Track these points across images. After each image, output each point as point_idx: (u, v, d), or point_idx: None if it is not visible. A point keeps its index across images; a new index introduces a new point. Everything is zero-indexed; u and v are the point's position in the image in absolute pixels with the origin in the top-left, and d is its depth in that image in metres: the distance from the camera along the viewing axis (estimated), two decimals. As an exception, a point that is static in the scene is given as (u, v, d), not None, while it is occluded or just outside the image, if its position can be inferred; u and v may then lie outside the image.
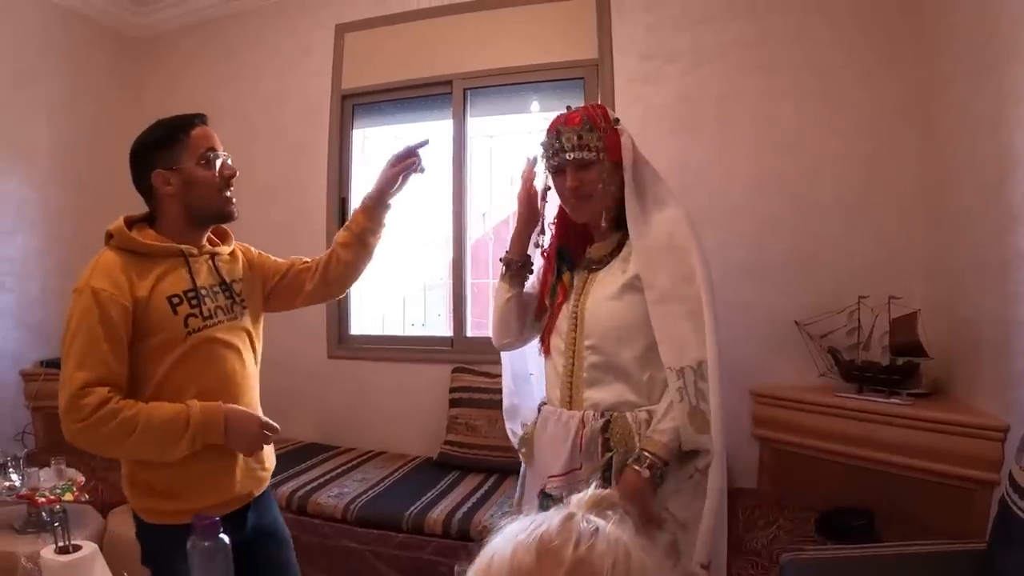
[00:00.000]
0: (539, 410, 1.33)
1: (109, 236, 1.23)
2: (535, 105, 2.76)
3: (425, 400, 2.69)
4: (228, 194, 1.28)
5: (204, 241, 1.33)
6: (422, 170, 1.48)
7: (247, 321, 1.35)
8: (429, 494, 2.18)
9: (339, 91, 2.88)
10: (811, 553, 1.65)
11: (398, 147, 1.49)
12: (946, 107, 2.01)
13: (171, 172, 1.24)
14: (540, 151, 1.28)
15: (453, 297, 2.74)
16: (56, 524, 1.61)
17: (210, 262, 1.31)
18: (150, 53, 3.35)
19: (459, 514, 2.02)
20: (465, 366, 2.60)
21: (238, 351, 1.30)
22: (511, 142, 2.87)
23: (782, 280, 2.30)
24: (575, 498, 0.53)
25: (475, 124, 2.80)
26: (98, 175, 3.13)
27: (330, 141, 2.89)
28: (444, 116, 2.78)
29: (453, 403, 2.53)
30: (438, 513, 2.03)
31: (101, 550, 2.07)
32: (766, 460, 2.27)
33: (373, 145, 3.02)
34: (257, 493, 1.32)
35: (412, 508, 2.06)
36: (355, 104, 2.91)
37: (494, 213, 3.07)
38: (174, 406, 1.17)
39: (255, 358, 1.37)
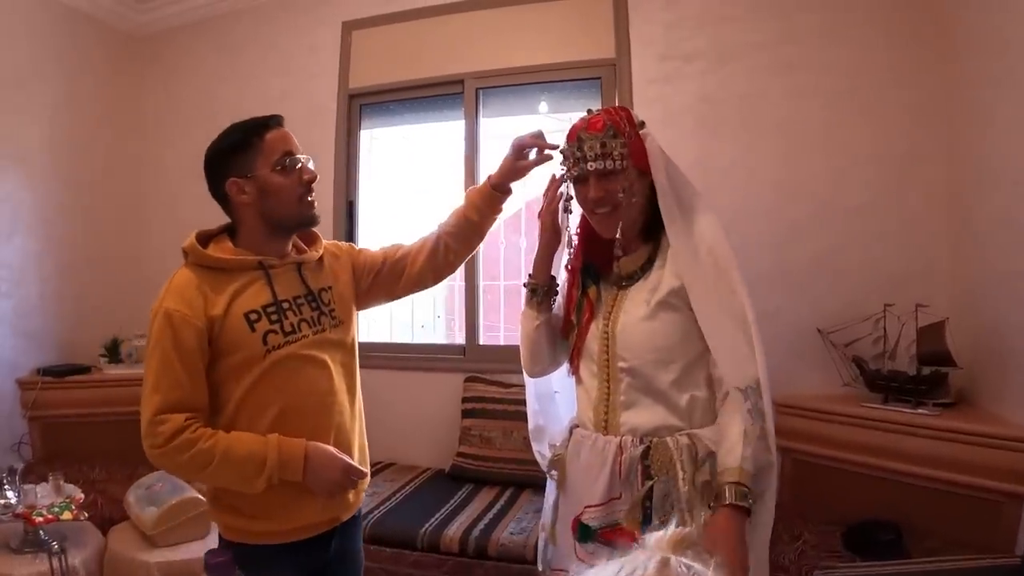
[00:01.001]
0: (570, 432, 1.26)
1: (185, 254, 1.17)
2: (543, 106, 2.69)
3: (437, 410, 2.62)
4: (310, 199, 1.21)
5: (289, 248, 1.25)
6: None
7: (338, 332, 1.26)
8: (443, 509, 2.11)
9: (346, 90, 2.81)
10: (844, 570, 1.61)
11: (522, 133, 1.33)
12: (974, 110, 1.96)
13: (246, 180, 1.17)
14: (560, 158, 1.21)
15: (465, 303, 2.67)
16: (55, 549, 1.54)
17: (295, 271, 1.23)
18: (150, 51, 3.26)
19: (476, 531, 1.95)
20: (478, 375, 2.53)
21: (325, 366, 1.21)
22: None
23: (805, 287, 2.25)
24: (653, 538, 0.49)
25: (487, 125, 2.72)
26: (98, 176, 3.06)
27: (336, 142, 2.81)
28: (454, 117, 2.71)
29: (466, 413, 2.47)
30: (454, 530, 1.96)
31: (101, 570, 2.03)
32: (788, 471, 2.21)
33: (381, 146, 2.94)
34: (344, 518, 1.26)
35: (427, 525, 2.00)
36: (362, 104, 2.83)
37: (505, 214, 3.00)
38: (253, 440, 1.11)
39: (349, 371, 1.28)
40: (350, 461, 1.18)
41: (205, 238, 1.22)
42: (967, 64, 1.98)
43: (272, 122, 1.19)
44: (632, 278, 1.19)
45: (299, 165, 1.19)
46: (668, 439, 1.12)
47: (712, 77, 2.36)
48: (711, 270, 1.12)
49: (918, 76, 2.14)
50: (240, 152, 1.17)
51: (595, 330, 1.20)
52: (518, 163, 1.31)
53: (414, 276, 1.37)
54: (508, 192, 1.36)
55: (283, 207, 1.18)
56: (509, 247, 2.96)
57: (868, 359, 2.07)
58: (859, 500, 1.94)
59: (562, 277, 1.30)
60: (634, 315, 1.15)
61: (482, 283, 2.72)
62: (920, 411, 1.87)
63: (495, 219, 1.39)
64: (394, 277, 1.37)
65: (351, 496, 1.26)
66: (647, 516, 1.10)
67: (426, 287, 1.41)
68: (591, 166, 1.12)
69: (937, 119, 2.12)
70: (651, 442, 1.12)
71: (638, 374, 1.14)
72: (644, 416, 1.13)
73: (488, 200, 1.35)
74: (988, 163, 1.89)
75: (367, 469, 1.30)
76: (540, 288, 1.27)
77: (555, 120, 2.96)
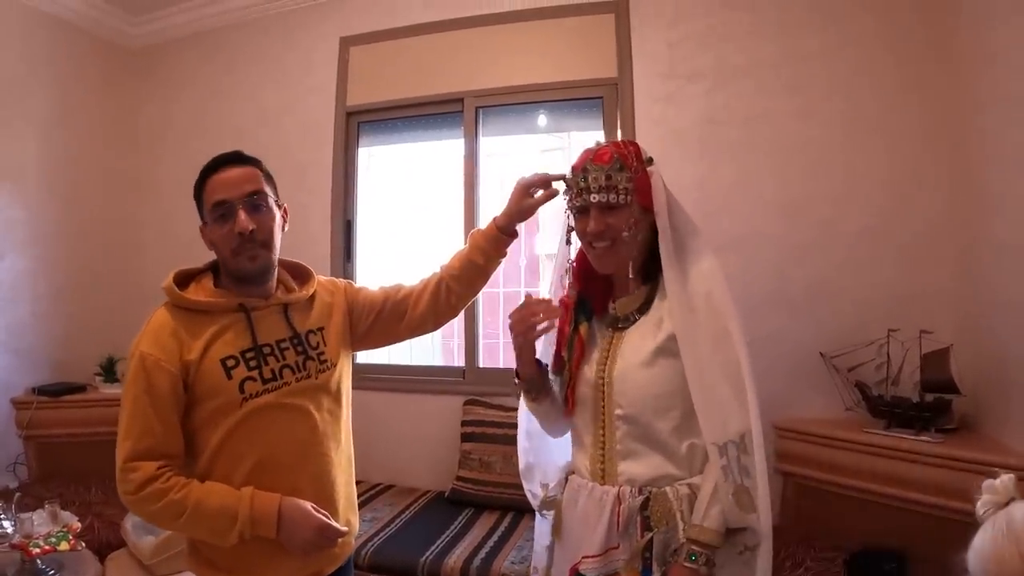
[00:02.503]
0: (566, 478, 1.23)
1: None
2: (542, 119, 2.66)
3: (436, 433, 2.59)
4: (247, 252, 1.12)
5: (274, 288, 1.20)
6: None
7: (325, 376, 1.20)
8: (444, 536, 2.09)
9: (344, 107, 2.77)
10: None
11: (528, 173, 1.30)
12: (978, 135, 1.95)
13: (203, 228, 1.16)
14: (563, 187, 1.18)
15: (465, 325, 2.65)
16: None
17: (281, 313, 1.19)
18: (145, 65, 3.22)
19: (477, 561, 1.93)
20: (478, 398, 2.51)
21: (307, 415, 1.16)
22: (521, 162, 2.78)
23: (807, 310, 2.23)
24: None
25: (486, 144, 2.70)
26: (90, 193, 3.02)
27: (334, 160, 2.77)
28: (453, 135, 2.68)
29: (465, 437, 2.44)
30: (455, 559, 1.94)
31: (98, 598, 2.00)
32: (789, 496, 2.21)
33: (379, 164, 2.92)
34: (329, 571, 1.21)
35: (427, 553, 1.98)
36: (360, 121, 2.80)
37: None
38: (226, 494, 1.07)
39: (335, 417, 1.22)
40: (327, 520, 1.12)
41: (186, 277, 1.17)
42: (971, 87, 1.96)
43: (221, 164, 1.14)
44: (628, 320, 1.16)
45: (232, 216, 1.11)
46: (668, 489, 1.10)
47: (715, 97, 2.34)
48: (705, 319, 1.09)
49: (922, 99, 2.13)
50: (197, 199, 1.16)
51: (589, 375, 1.16)
52: (524, 203, 1.27)
53: (416, 318, 1.33)
54: (514, 235, 1.33)
55: (226, 262, 1.15)
56: (509, 256, 2.94)
57: (871, 384, 2.06)
58: (861, 526, 1.93)
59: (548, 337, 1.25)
60: (632, 361, 1.12)
61: (480, 294, 2.68)
62: (923, 438, 1.86)
63: (500, 262, 1.35)
64: (395, 318, 1.33)
65: (336, 549, 1.20)
66: (647, 567, 1.08)
67: (426, 331, 1.37)
68: (594, 198, 1.09)
69: (941, 142, 2.10)
70: (650, 492, 1.10)
71: (636, 422, 1.11)
72: (643, 465, 1.11)
73: (494, 243, 1.31)
74: (992, 188, 1.88)
75: (354, 519, 1.26)
76: (533, 383, 1.22)
77: (556, 138, 2.94)
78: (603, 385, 1.14)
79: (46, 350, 2.84)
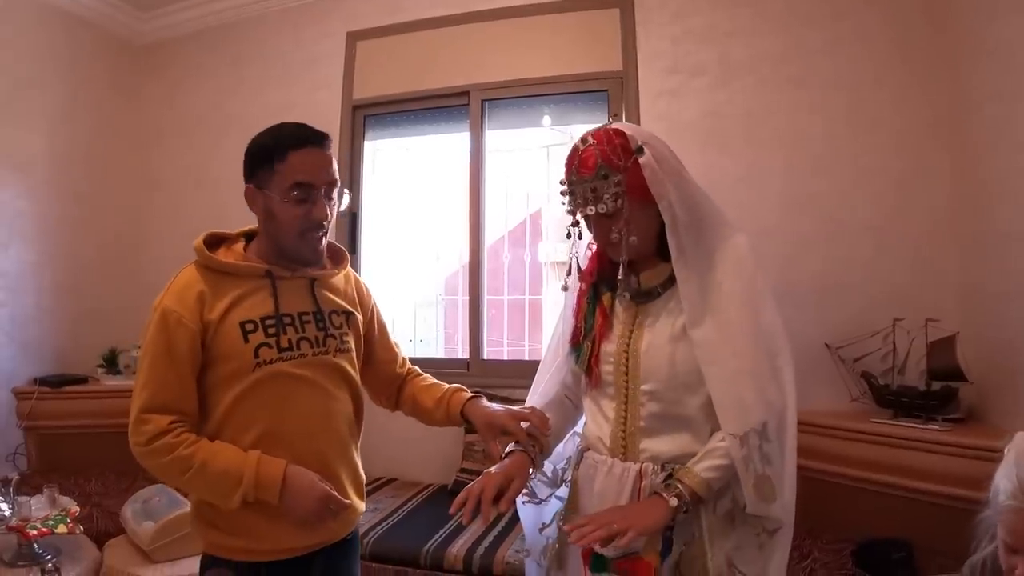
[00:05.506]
0: (581, 455, 1.21)
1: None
2: (546, 120, 2.69)
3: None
4: (316, 236, 1.12)
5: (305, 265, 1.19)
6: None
7: (342, 358, 1.19)
8: (447, 526, 2.07)
9: (350, 101, 2.79)
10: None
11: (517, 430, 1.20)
12: (981, 126, 1.96)
13: (258, 192, 1.12)
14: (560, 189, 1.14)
15: (469, 316, 2.64)
16: (49, 564, 1.50)
17: (307, 287, 1.17)
18: (152, 60, 3.24)
19: (480, 549, 1.92)
20: (482, 390, 2.48)
21: (320, 389, 1.15)
22: (525, 158, 2.80)
23: (812, 302, 2.23)
24: None
25: (492, 137, 2.71)
26: (97, 186, 3.03)
27: (340, 153, 2.78)
28: (459, 129, 2.69)
29: (469, 429, 2.42)
30: (457, 549, 1.92)
31: (96, 585, 1.98)
32: (796, 488, 2.19)
33: (384, 158, 2.93)
34: (331, 542, 1.19)
35: (430, 542, 1.96)
36: (366, 115, 2.82)
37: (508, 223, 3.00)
38: (233, 455, 1.07)
39: (355, 399, 1.23)
40: (331, 491, 1.10)
41: (217, 240, 1.17)
42: (975, 79, 1.97)
43: (308, 142, 1.10)
44: (652, 295, 1.13)
45: (309, 200, 1.10)
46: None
47: (719, 91, 2.36)
48: (723, 305, 1.05)
49: (925, 91, 2.14)
50: (262, 162, 1.11)
51: (611, 349, 1.14)
52: (491, 435, 1.22)
53: (381, 394, 1.37)
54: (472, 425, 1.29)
55: (283, 238, 1.12)
56: (514, 264, 2.94)
57: (877, 374, 2.06)
58: (868, 517, 1.91)
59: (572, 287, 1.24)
60: (661, 335, 1.09)
61: (485, 301, 2.69)
62: (930, 427, 1.85)
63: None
64: (374, 360, 1.33)
65: (336, 525, 1.18)
66: (667, 546, 1.06)
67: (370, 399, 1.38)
68: (585, 211, 1.07)
69: (945, 134, 2.11)
70: (673, 469, 1.07)
71: (663, 398, 1.08)
72: (666, 443, 1.09)
73: (454, 420, 1.32)
74: (995, 178, 1.89)
75: (361, 504, 1.24)
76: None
77: (558, 132, 2.96)
78: (627, 360, 1.11)
79: (50, 341, 2.84)
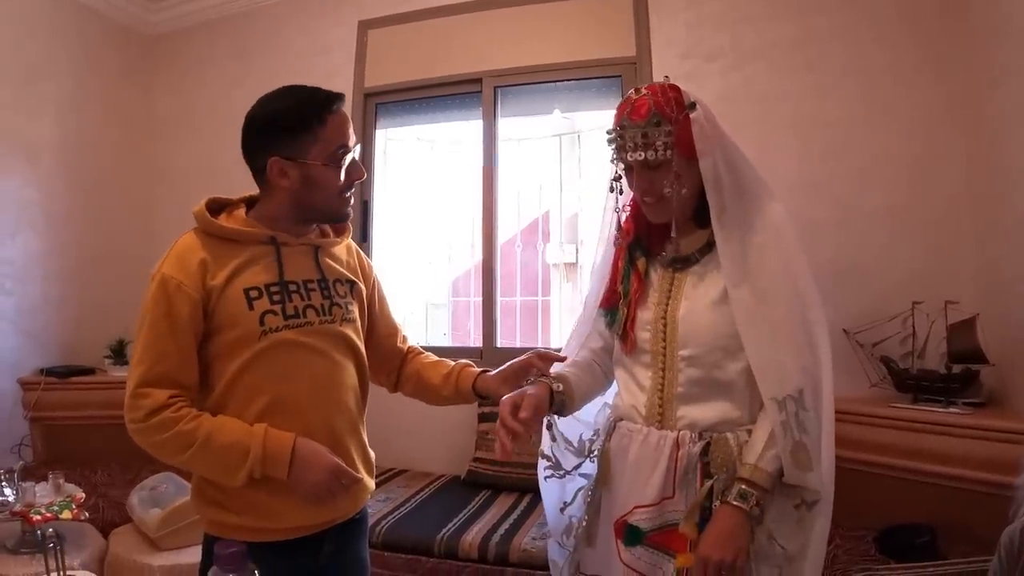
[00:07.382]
0: (613, 425, 1.17)
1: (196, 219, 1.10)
2: (557, 113, 2.68)
3: (451, 414, 2.51)
4: (349, 195, 1.13)
5: (309, 232, 1.16)
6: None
7: (347, 327, 1.15)
8: (460, 515, 2.04)
9: (362, 89, 2.78)
10: (883, 572, 1.55)
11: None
12: (995, 108, 1.94)
13: (291, 163, 1.07)
14: (607, 138, 1.13)
15: (483, 305, 2.61)
16: (51, 545, 1.46)
17: (311, 254, 1.15)
18: (161, 50, 3.24)
19: (495, 537, 1.88)
20: (495, 378, 2.47)
21: (327, 357, 1.11)
22: (536, 147, 2.79)
23: (829, 287, 2.17)
24: None
25: (504, 125, 2.69)
26: (105, 176, 3.02)
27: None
28: (471, 116, 2.68)
29: (483, 417, 2.40)
30: (472, 536, 1.88)
31: (102, 572, 1.94)
32: (834, 461, 2.16)
33: (396, 147, 2.92)
34: (340, 521, 1.14)
35: (444, 531, 1.92)
36: (378, 103, 2.80)
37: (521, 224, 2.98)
38: (239, 429, 1.02)
39: (360, 370, 1.18)
40: (341, 464, 1.06)
41: (219, 207, 1.14)
42: (987, 62, 1.96)
43: (337, 103, 1.09)
44: (689, 261, 1.12)
45: (350, 158, 1.09)
46: (729, 435, 1.05)
47: (732, 77, 2.34)
48: (759, 271, 1.04)
49: (938, 74, 2.12)
50: (293, 132, 1.06)
51: (647, 316, 1.12)
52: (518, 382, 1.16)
53: (381, 356, 1.29)
54: (485, 398, 1.24)
55: (322, 201, 1.10)
56: (524, 266, 2.91)
57: (896, 358, 2.03)
58: (890, 503, 1.87)
59: (601, 254, 1.23)
60: (702, 300, 1.08)
61: (498, 303, 2.66)
62: (952, 410, 1.82)
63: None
64: (375, 334, 1.28)
65: (345, 501, 1.12)
66: (705, 517, 1.03)
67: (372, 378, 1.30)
68: (632, 156, 1.05)
69: (959, 117, 2.09)
70: (711, 438, 1.05)
71: (703, 364, 1.06)
72: (705, 410, 1.06)
73: (464, 397, 1.25)
74: (1010, 161, 1.87)
75: (370, 481, 1.19)
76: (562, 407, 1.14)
77: (569, 120, 2.95)
78: (664, 327, 1.10)
79: (56, 332, 2.81)
